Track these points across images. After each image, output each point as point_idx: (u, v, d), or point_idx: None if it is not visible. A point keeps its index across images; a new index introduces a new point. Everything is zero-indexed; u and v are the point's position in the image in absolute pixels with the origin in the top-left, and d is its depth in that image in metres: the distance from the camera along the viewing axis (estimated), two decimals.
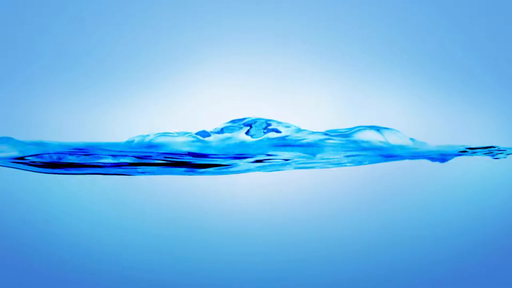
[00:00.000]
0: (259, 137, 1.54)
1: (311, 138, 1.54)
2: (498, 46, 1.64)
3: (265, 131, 1.55)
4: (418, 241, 1.67)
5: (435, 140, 1.60)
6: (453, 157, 1.62)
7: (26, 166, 1.55)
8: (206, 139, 1.54)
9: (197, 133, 1.54)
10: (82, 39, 1.61)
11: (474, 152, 1.59)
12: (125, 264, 1.62)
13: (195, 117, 1.59)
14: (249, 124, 1.56)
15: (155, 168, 1.56)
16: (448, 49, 1.64)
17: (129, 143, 1.54)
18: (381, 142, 1.56)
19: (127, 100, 1.60)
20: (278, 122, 1.57)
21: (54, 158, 1.51)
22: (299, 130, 1.56)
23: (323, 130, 1.57)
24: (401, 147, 1.57)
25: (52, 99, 1.60)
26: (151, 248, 1.64)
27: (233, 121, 1.57)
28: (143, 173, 1.58)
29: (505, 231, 1.70)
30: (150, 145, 1.53)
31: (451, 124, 1.63)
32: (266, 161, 1.56)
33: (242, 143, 1.53)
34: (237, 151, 1.53)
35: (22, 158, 1.52)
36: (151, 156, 1.53)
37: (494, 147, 1.59)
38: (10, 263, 1.60)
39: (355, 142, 1.55)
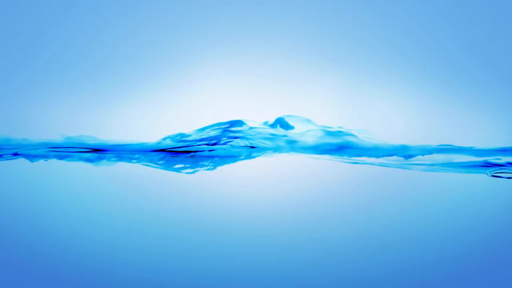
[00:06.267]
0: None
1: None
2: (498, 46, 1.64)
3: None
4: (417, 241, 1.67)
5: (434, 140, 1.60)
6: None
7: None
8: None
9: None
10: (83, 39, 1.61)
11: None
12: (121, 263, 1.62)
13: (195, 117, 1.59)
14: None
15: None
16: (448, 49, 1.64)
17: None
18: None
19: (127, 100, 1.61)
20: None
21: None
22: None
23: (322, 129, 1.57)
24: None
25: (52, 99, 1.60)
26: (143, 246, 1.64)
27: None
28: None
29: (504, 230, 1.70)
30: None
31: (451, 124, 1.63)
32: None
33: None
34: None
35: None
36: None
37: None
38: None
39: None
